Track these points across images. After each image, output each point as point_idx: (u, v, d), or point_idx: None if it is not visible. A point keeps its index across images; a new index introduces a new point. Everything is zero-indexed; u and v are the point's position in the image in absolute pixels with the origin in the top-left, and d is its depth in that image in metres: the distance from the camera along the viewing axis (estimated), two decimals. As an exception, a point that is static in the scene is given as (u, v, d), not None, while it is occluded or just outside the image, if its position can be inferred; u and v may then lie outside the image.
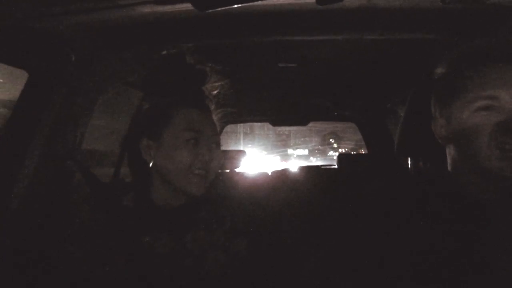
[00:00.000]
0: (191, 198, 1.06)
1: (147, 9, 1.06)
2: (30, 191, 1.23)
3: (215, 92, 1.14)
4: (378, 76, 2.20)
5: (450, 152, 0.94)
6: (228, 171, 2.75)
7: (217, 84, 1.14)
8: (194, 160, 1.01)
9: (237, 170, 2.83)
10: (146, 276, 0.98)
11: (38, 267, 1.08)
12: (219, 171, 1.17)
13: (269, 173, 2.96)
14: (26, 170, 1.23)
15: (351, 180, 2.47)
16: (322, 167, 3.29)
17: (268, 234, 1.13)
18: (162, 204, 1.06)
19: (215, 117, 1.13)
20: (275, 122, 3.60)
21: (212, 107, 1.13)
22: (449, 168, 0.95)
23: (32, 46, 1.13)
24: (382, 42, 1.52)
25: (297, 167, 2.97)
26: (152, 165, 1.06)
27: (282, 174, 2.85)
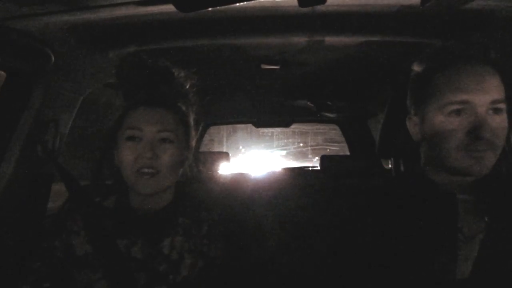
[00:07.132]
0: (166, 202, 1.07)
1: (128, 10, 1.05)
2: (8, 193, 1.21)
3: (192, 92, 1.12)
4: (360, 79, 2.23)
5: (423, 148, 1.00)
6: (210, 173, 2.74)
7: (197, 85, 1.12)
8: (137, 158, 0.98)
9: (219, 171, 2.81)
10: (121, 280, 0.97)
11: (15, 268, 1.06)
12: (201, 173, 1.16)
13: (251, 175, 2.96)
14: (4, 172, 1.20)
15: (333, 181, 2.49)
16: (305, 168, 3.30)
17: (248, 237, 1.12)
18: (138, 208, 1.05)
19: (196, 118, 1.12)
20: (258, 124, 3.61)
21: (186, 107, 1.10)
22: (422, 163, 1.01)
23: (11, 46, 1.11)
24: (364, 45, 1.53)
25: (280, 169, 2.98)
26: None
27: (264, 176, 2.85)
